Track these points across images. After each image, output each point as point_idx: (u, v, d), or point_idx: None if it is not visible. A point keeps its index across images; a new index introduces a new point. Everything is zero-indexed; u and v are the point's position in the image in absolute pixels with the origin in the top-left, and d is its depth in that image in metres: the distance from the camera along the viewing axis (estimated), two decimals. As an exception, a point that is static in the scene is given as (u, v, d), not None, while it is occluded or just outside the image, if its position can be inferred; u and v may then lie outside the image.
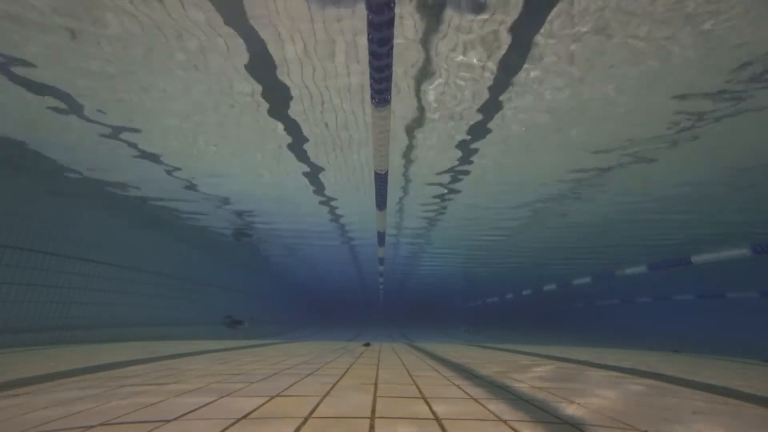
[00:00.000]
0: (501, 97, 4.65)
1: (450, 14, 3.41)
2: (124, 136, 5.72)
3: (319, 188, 7.94)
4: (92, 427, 1.88)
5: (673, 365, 5.32)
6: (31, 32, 3.63)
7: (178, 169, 7.04)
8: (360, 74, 4.16)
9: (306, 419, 2.01)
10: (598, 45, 3.75)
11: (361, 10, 3.29)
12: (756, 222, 9.45)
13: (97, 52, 3.90)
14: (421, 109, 4.93)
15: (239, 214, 9.78)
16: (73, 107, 4.91)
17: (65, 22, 3.52)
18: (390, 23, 2.58)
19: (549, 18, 3.43)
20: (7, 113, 5.16)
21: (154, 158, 6.51)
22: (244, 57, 3.96)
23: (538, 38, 3.68)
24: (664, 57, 3.90)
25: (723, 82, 4.25)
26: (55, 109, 4.94)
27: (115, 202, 8.65)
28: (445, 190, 8.05)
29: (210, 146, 6.14)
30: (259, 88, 4.48)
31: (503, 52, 3.86)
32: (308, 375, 3.50)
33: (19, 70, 4.20)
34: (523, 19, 3.43)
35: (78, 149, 6.25)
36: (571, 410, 2.34)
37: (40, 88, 4.49)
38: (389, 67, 3.01)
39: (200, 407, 2.25)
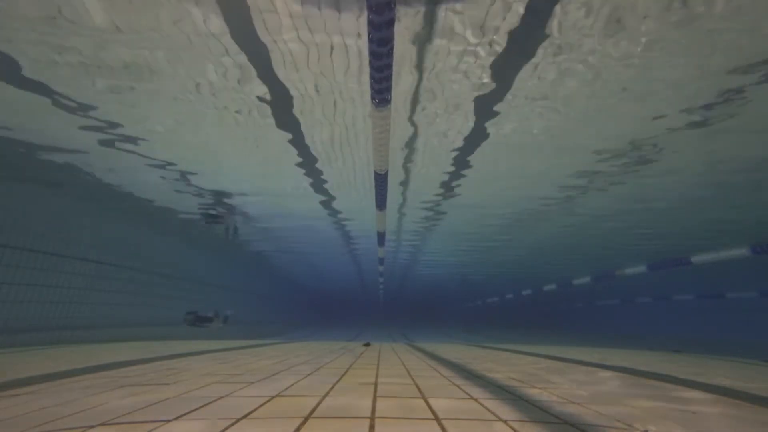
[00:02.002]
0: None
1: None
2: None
3: (320, 187, 7.95)
4: (92, 427, 1.88)
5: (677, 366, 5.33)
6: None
7: (190, 173, 7.20)
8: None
9: (306, 419, 2.01)
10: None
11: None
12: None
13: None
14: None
15: (228, 199, 9.68)
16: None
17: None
18: (390, 23, 2.58)
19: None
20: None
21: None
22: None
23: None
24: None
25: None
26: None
27: (109, 198, 8.60)
28: (442, 195, 8.17)
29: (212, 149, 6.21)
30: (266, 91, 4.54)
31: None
32: (308, 375, 3.50)
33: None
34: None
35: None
36: (569, 410, 2.34)
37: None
38: (389, 67, 3.01)
39: (200, 407, 2.25)
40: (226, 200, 8.81)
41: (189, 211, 9.56)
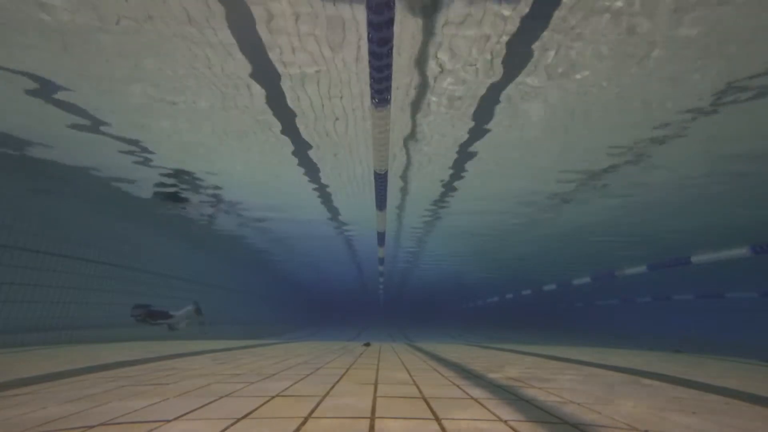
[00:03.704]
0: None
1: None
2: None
3: (321, 190, 7.97)
4: (92, 427, 1.88)
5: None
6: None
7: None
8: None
9: (306, 419, 2.01)
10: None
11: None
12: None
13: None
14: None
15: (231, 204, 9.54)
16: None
17: None
18: (390, 23, 2.58)
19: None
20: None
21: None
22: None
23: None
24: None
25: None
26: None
27: (108, 196, 8.57)
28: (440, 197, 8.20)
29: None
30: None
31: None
32: (308, 375, 3.50)
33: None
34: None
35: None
36: (568, 410, 2.34)
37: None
38: (389, 67, 3.01)
39: (200, 407, 2.25)
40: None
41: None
